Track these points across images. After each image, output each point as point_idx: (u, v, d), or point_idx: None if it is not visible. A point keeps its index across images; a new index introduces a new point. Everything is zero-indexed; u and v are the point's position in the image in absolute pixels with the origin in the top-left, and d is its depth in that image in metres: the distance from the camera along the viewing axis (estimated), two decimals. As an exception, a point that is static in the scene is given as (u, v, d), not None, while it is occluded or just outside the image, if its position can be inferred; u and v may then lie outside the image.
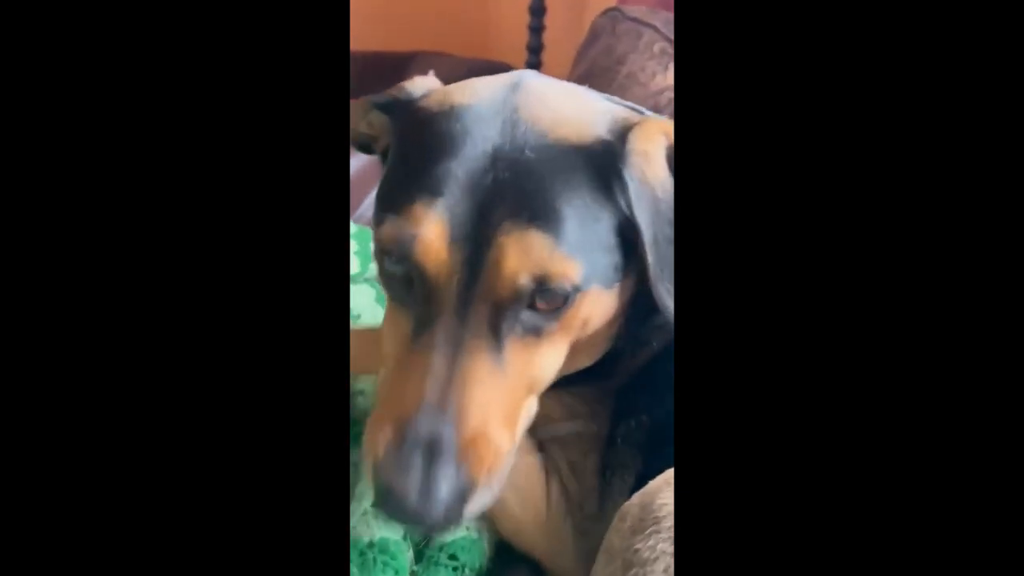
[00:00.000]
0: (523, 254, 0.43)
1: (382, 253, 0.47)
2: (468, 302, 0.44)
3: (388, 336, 0.48)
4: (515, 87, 0.51)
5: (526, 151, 0.46)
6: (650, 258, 0.47)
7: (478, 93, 0.50)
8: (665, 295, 0.47)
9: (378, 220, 0.47)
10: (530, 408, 0.49)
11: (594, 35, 1.33)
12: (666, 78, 1.07)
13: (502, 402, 0.45)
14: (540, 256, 0.43)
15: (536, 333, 0.46)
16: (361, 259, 0.98)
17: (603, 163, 0.47)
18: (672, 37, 1.14)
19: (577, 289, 0.45)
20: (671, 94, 1.02)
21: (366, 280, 0.93)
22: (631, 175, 0.47)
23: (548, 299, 0.45)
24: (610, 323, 0.52)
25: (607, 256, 0.48)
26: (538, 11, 2.07)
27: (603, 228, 0.47)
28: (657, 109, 1.03)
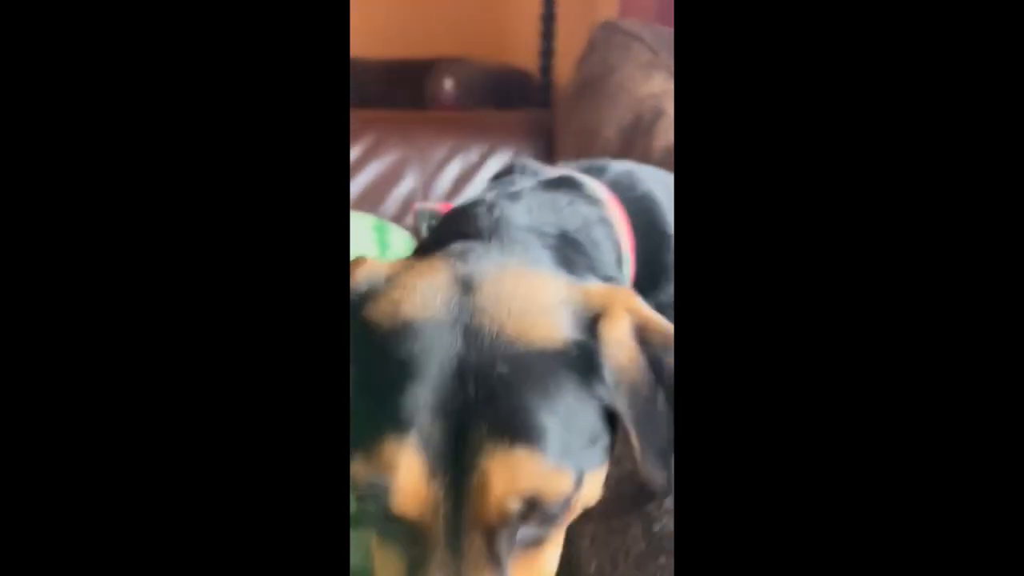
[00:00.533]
0: (510, 477, 0.41)
1: (358, 495, 0.43)
2: (458, 532, 0.41)
3: (380, 572, 0.45)
4: (467, 287, 0.47)
5: (497, 365, 0.43)
6: (635, 443, 0.46)
7: (429, 302, 0.47)
8: (653, 471, 0.46)
9: (352, 449, 0.44)
10: None
11: (591, 47, 1.47)
12: (649, 86, 1.20)
13: None
14: (529, 476, 0.41)
15: (537, 544, 0.44)
16: (380, 248, 1.10)
17: (579, 364, 0.46)
18: (657, 49, 1.28)
19: (571, 495, 0.44)
20: (653, 102, 1.16)
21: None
22: (609, 368, 0.46)
23: (544, 515, 0.43)
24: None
25: (595, 448, 0.46)
26: (548, 18, 2.23)
27: (587, 423, 0.46)
28: (641, 114, 1.17)
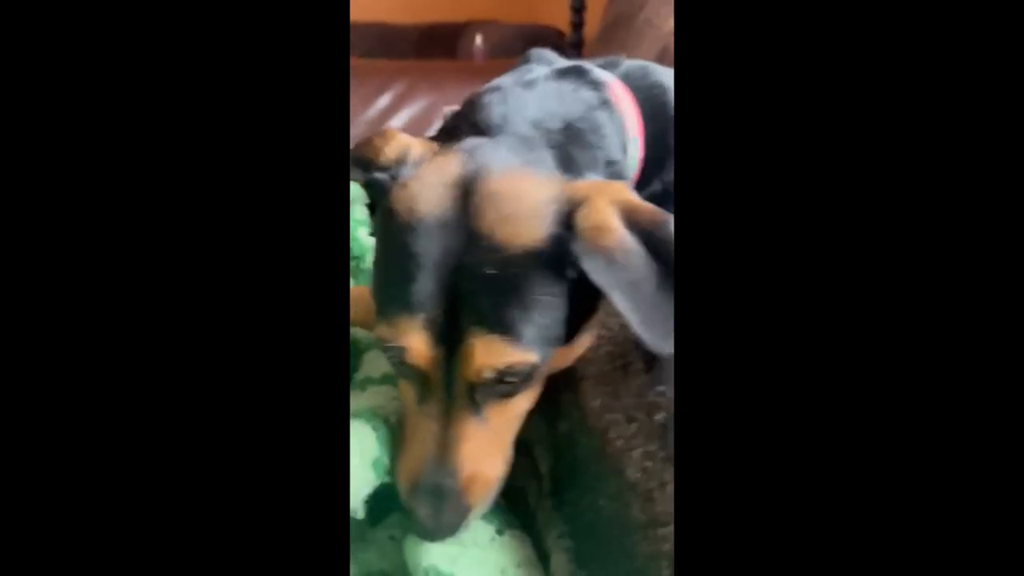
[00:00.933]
0: (487, 355, 0.52)
1: (383, 348, 0.57)
2: (450, 384, 0.54)
3: (402, 395, 0.59)
4: (471, 187, 0.55)
5: (485, 268, 0.52)
6: (630, 316, 0.50)
7: (439, 199, 0.55)
8: (656, 340, 0.50)
9: (377, 314, 0.56)
10: (517, 432, 0.59)
11: (620, -14, 1.48)
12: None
13: (490, 446, 0.56)
14: (501, 355, 0.52)
15: (510, 395, 0.55)
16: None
17: (553, 259, 0.53)
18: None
19: (536, 366, 0.54)
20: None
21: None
22: (582, 249, 0.52)
23: (513, 378, 0.54)
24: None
25: (567, 327, 0.54)
26: (579, -26, 2.22)
27: (561, 310, 0.54)
28: (667, 50, 1.19)
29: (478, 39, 2.62)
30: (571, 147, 0.61)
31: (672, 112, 0.69)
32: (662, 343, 0.50)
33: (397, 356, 0.55)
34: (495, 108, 0.62)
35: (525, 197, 0.55)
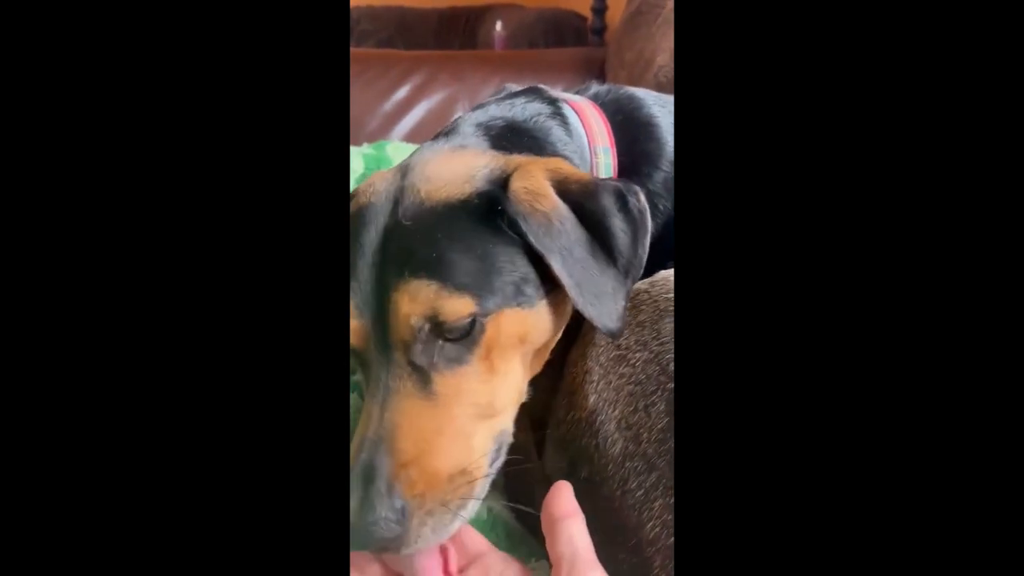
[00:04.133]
0: (411, 301, 0.49)
1: None
2: (386, 351, 0.50)
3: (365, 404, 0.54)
4: (405, 172, 0.57)
5: (404, 220, 0.52)
6: (565, 281, 0.51)
7: (377, 189, 0.57)
8: (590, 309, 0.51)
9: None
10: (495, 428, 0.53)
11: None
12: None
13: (440, 430, 0.49)
14: (426, 299, 0.49)
15: (460, 362, 0.51)
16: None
17: (485, 208, 0.53)
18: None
19: (475, 317, 0.50)
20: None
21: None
22: (518, 211, 0.52)
23: (451, 331, 0.50)
24: (556, 330, 0.57)
25: (509, 282, 0.52)
26: (603, -43, 2.16)
27: (498, 260, 0.52)
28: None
29: (498, 25, 2.56)
30: (509, 138, 0.63)
31: (644, 120, 0.70)
32: (602, 317, 0.51)
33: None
34: (446, 126, 0.67)
35: (454, 165, 0.57)
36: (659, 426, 0.48)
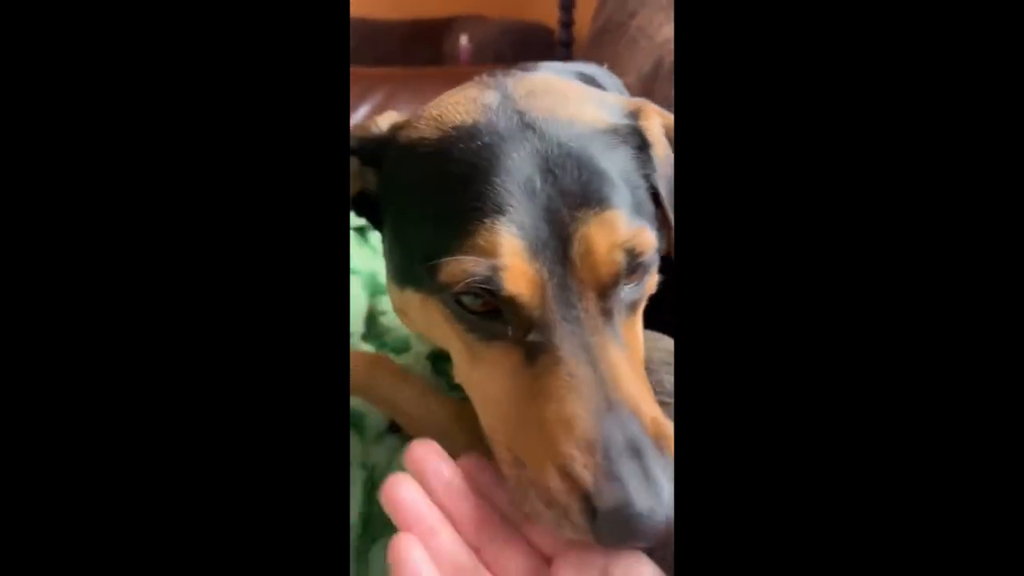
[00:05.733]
0: (609, 234, 0.42)
1: (454, 296, 0.43)
2: (572, 302, 0.42)
3: (490, 378, 0.44)
4: (505, 95, 0.49)
5: (563, 142, 0.44)
6: (675, 222, 0.47)
7: (471, 110, 0.48)
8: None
9: (427, 265, 0.44)
10: None
11: (609, -9, 1.39)
12: (671, 29, 1.12)
13: (644, 384, 0.44)
14: (624, 232, 0.43)
15: (633, 309, 0.45)
16: None
17: (631, 143, 0.48)
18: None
19: (657, 253, 0.46)
20: (672, 46, 1.08)
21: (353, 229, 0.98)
22: (654, 153, 0.48)
23: (641, 267, 0.44)
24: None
25: (655, 223, 0.47)
26: (569, -30, 2.12)
27: (646, 195, 0.47)
28: (662, 59, 1.10)
29: (463, 38, 2.52)
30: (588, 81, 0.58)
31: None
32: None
33: (487, 284, 0.41)
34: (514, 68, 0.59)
35: (570, 92, 0.50)
36: None
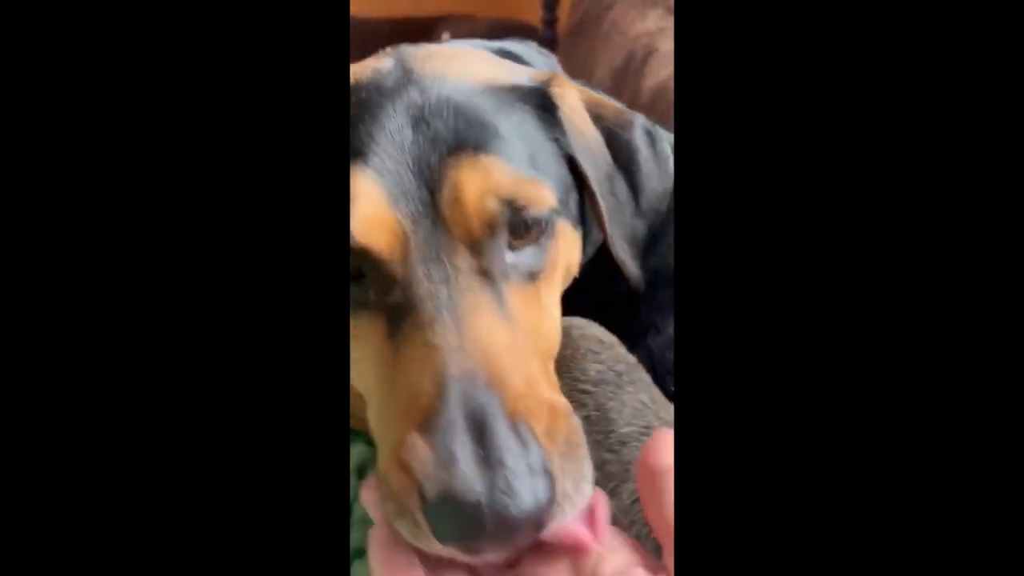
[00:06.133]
0: (482, 179, 0.38)
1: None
2: (440, 257, 0.37)
3: (359, 354, 0.38)
4: (403, 58, 0.46)
5: (446, 95, 0.41)
6: (602, 203, 0.44)
7: (360, 71, 0.46)
8: (623, 257, 0.44)
9: None
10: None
11: (587, -14, 1.39)
12: (644, 24, 1.12)
13: (536, 361, 0.37)
14: (501, 178, 0.38)
15: (532, 278, 0.40)
16: None
17: (536, 102, 0.44)
18: (654, -16, 1.19)
19: (555, 212, 0.41)
20: (647, 40, 1.07)
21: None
22: (565, 117, 0.44)
23: (528, 228, 0.39)
24: (569, 279, 0.47)
25: (565, 187, 0.43)
26: (552, -31, 2.12)
27: (553, 159, 0.43)
28: (633, 53, 1.09)
29: (445, 36, 2.52)
30: (505, 58, 0.54)
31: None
32: (628, 260, 0.44)
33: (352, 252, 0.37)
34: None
35: (478, 61, 0.48)
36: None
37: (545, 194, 0.40)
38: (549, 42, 2.23)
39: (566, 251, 0.43)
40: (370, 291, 0.38)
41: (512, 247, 0.39)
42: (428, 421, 0.33)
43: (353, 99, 0.42)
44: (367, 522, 0.56)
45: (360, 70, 0.46)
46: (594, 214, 0.46)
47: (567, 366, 0.44)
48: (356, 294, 0.38)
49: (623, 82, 1.06)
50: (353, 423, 0.67)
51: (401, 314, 0.37)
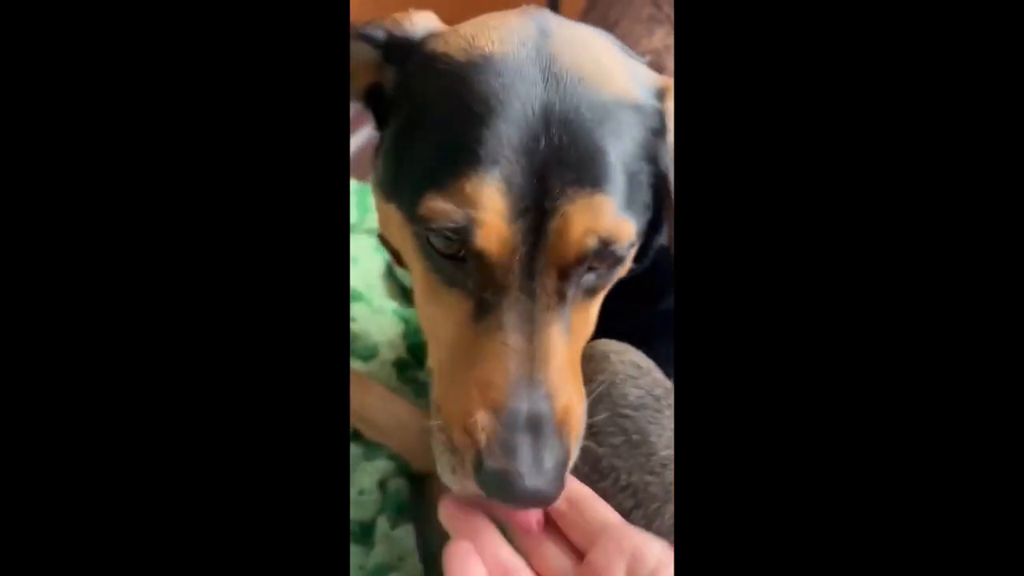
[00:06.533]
0: (591, 219, 0.42)
1: (426, 231, 0.43)
2: (533, 275, 0.42)
3: (441, 320, 0.45)
4: (543, 33, 0.47)
5: (581, 109, 0.43)
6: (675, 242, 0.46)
7: (504, 40, 0.46)
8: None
9: (413, 192, 0.43)
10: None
11: (592, 2, 1.41)
12: (651, 42, 1.15)
13: (574, 368, 0.45)
14: (606, 220, 0.42)
15: (592, 293, 0.46)
16: (359, 211, 1.07)
17: (649, 125, 0.47)
18: (660, 2, 1.22)
19: (632, 246, 0.45)
20: (654, 58, 1.10)
21: (366, 231, 1.01)
22: (669, 141, 0.47)
23: (611, 259, 0.44)
24: None
25: (646, 214, 0.47)
26: (553, -22, 2.15)
27: (644, 187, 0.46)
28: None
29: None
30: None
31: None
32: None
33: (459, 233, 0.41)
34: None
35: (606, 53, 0.49)
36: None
37: (631, 231, 0.44)
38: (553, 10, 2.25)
39: (624, 270, 0.48)
40: (468, 279, 0.43)
41: (588, 270, 0.44)
42: (496, 409, 0.41)
43: (494, 81, 0.43)
44: (392, 541, 0.58)
45: (502, 35, 0.46)
46: (670, 226, 0.49)
47: (607, 391, 0.47)
48: (453, 272, 0.44)
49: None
50: (373, 436, 0.69)
51: (489, 308, 0.43)
